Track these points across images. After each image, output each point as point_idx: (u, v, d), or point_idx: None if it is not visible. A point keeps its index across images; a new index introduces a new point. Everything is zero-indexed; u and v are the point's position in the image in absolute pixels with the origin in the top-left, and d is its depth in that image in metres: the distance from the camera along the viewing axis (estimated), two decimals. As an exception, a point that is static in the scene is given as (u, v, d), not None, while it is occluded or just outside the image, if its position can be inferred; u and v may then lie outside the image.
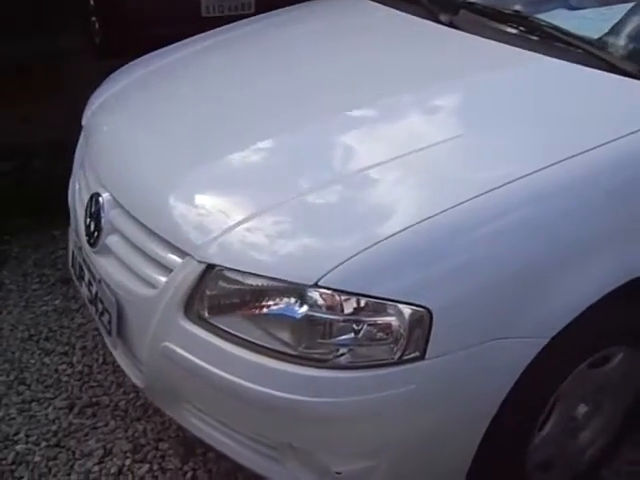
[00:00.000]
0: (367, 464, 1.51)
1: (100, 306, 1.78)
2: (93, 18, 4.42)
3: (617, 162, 1.59)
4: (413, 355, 1.40)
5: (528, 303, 1.47)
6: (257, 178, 1.66)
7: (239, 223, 1.51)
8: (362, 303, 1.38)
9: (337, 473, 1.51)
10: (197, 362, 1.50)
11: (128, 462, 2.00)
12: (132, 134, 1.98)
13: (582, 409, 1.77)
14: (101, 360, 2.35)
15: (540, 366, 1.52)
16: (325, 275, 1.37)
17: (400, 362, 1.41)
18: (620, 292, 1.57)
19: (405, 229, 1.41)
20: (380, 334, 1.40)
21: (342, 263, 1.38)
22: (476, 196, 1.46)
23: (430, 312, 1.38)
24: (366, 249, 1.39)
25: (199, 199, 1.65)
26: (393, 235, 1.41)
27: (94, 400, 2.20)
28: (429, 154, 1.62)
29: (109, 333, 1.76)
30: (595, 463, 1.89)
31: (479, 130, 1.70)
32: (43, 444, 2.06)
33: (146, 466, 1.99)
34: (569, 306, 1.51)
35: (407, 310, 1.38)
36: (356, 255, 1.39)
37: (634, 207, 1.59)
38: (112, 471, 1.98)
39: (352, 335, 1.40)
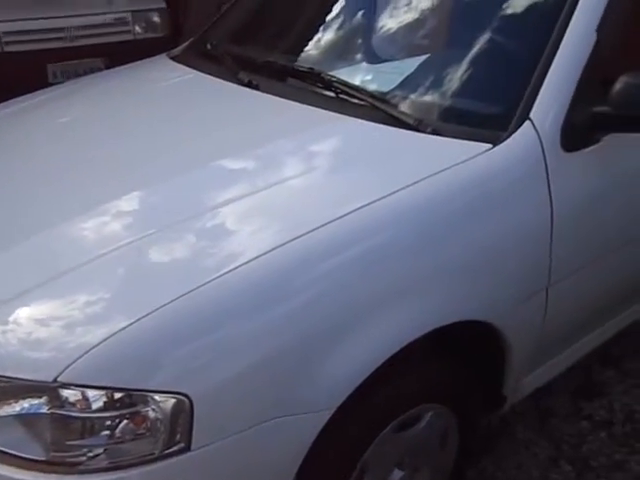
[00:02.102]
0: None
1: None
2: None
3: (402, 213, 1.55)
4: (178, 447, 1.28)
5: (304, 376, 1.37)
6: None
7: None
8: (113, 396, 1.25)
9: None
10: None
11: None
12: None
13: (397, 475, 1.70)
14: None
15: (334, 437, 1.44)
16: (66, 369, 1.23)
17: (164, 456, 1.28)
18: (417, 347, 1.51)
19: (148, 314, 1.29)
20: (138, 428, 1.27)
21: (87, 353, 1.25)
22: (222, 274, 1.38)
23: (190, 399, 1.27)
24: (115, 334, 1.27)
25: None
26: (146, 315, 1.29)
27: None
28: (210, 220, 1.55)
29: None
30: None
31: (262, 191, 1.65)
32: None
33: None
34: (353, 371, 1.43)
35: (165, 400, 1.26)
36: (104, 342, 1.26)
37: (423, 260, 1.55)
38: None
39: (106, 433, 1.27)
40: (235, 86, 2.05)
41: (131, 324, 1.28)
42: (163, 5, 4.52)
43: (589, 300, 1.96)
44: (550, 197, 1.68)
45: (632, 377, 2.42)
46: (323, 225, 1.47)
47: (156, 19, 4.46)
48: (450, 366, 1.73)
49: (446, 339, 1.61)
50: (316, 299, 1.42)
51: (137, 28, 4.40)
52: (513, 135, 1.67)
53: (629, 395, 2.35)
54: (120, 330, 1.28)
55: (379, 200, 1.53)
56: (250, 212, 1.60)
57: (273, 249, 1.41)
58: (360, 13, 2.24)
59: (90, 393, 1.25)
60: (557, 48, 1.73)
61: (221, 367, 1.31)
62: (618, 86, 1.68)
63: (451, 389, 1.72)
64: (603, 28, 1.77)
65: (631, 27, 1.85)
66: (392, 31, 2.16)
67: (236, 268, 1.39)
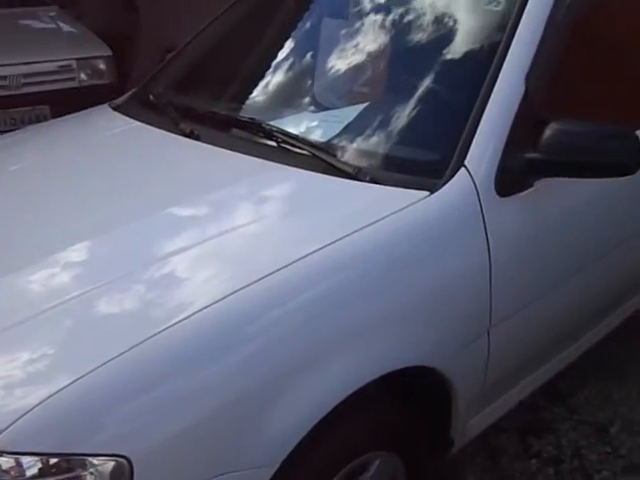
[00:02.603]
0: None
1: None
2: None
3: (341, 263, 1.56)
4: (117, 511, 1.26)
5: (248, 431, 1.36)
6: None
7: None
8: (49, 462, 1.22)
9: None
10: None
11: None
12: None
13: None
14: None
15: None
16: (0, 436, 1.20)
17: (103, 521, 1.25)
18: (362, 394, 1.51)
19: (90, 372, 1.27)
20: (76, 494, 1.25)
21: (23, 417, 1.21)
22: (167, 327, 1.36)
23: (130, 462, 1.24)
24: (55, 394, 1.24)
25: None
26: (88, 373, 1.27)
27: None
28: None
29: None
30: None
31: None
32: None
33: None
34: (298, 423, 1.42)
35: (103, 463, 1.23)
36: (41, 404, 1.23)
37: (365, 308, 1.56)
38: None
39: (42, 500, 1.24)
40: (176, 137, 2.05)
41: (72, 383, 1.26)
42: (109, 52, 4.53)
43: (532, 340, 1.99)
44: (487, 241, 1.72)
45: (578, 413, 2.47)
46: (266, 276, 1.47)
47: (102, 66, 4.46)
48: (397, 412, 1.73)
49: (392, 384, 1.62)
50: (261, 352, 1.42)
51: (82, 75, 4.40)
52: (449, 182, 1.71)
53: (576, 431, 2.39)
54: (60, 390, 1.25)
55: (320, 249, 1.54)
56: (195, 262, 1.60)
57: (212, 303, 1.41)
58: (301, 62, 2.28)
59: (24, 460, 1.21)
60: (489, 97, 1.79)
61: (163, 426, 1.29)
62: (548, 133, 1.74)
63: (399, 435, 1.73)
64: (532, 77, 1.84)
65: (559, 75, 1.94)
66: (332, 80, 2.21)
67: (181, 320, 1.38)
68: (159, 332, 1.35)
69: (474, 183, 1.72)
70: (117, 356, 1.30)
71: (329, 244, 1.55)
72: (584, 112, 1.90)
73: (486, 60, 1.85)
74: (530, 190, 1.81)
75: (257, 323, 1.44)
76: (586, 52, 2.10)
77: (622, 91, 2.21)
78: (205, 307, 1.40)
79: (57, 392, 1.25)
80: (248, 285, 1.45)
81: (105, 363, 1.29)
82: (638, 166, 1.75)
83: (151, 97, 2.33)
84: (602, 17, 2.24)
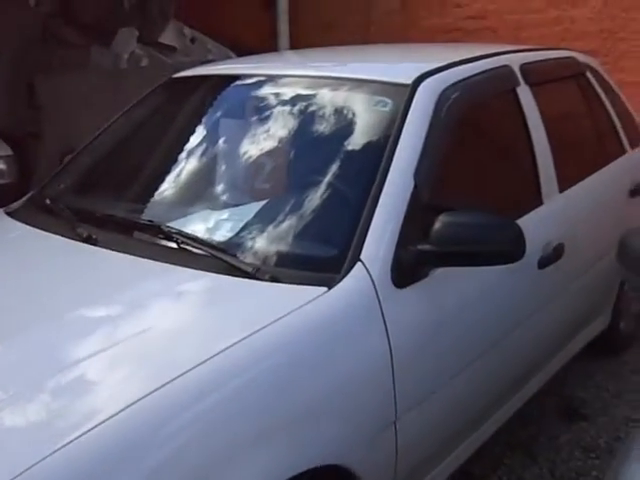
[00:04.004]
0: None
1: None
2: None
3: (242, 364, 1.54)
4: None
5: None
6: None
7: None
8: None
9: None
10: None
11: None
12: None
13: None
14: None
15: None
16: None
17: None
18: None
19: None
20: None
21: None
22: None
23: None
24: None
25: None
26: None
27: None
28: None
29: None
30: None
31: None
32: None
33: None
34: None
35: None
36: None
37: (271, 408, 1.53)
38: None
39: None
40: (74, 242, 2.02)
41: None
42: (9, 152, 4.48)
43: (439, 428, 2.01)
44: (387, 333, 1.75)
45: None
46: (163, 385, 1.44)
47: (2, 166, 4.40)
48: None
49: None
50: (169, 459, 1.37)
51: (-18, 175, 4.31)
52: (346, 277, 1.75)
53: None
54: None
55: (219, 353, 1.52)
56: (95, 372, 1.55)
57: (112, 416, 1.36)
58: (199, 163, 2.31)
59: None
60: (380, 193, 1.86)
61: None
62: (437, 225, 1.83)
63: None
64: (420, 172, 1.94)
65: (446, 169, 2.04)
66: (230, 179, 2.26)
67: (87, 431, 1.33)
68: (61, 447, 1.29)
69: (371, 276, 1.77)
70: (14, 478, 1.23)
71: (227, 347, 1.54)
72: (471, 203, 2.00)
73: (376, 159, 1.95)
74: (426, 280, 1.87)
75: (161, 433, 1.40)
76: (469, 147, 2.24)
77: (503, 182, 2.35)
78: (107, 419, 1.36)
79: None
80: (146, 396, 1.41)
81: None
82: (522, 253, 1.84)
83: (48, 201, 2.30)
84: (482, 115, 2.40)
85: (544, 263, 2.33)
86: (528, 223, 2.16)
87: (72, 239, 2.03)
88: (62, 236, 2.07)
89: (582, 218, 2.67)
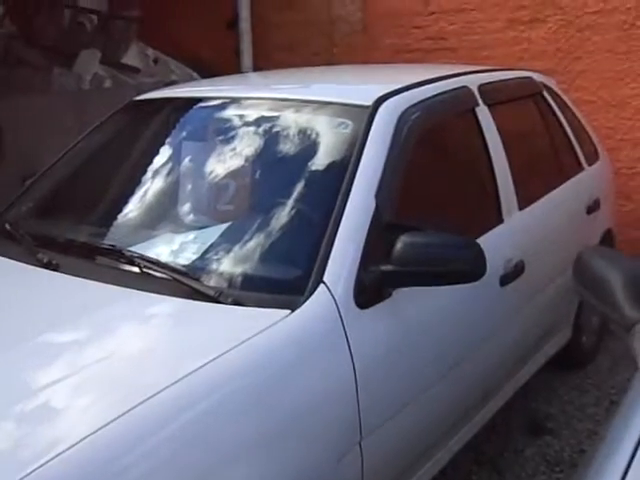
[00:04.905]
0: None
1: None
2: None
3: (205, 389, 1.53)
4: None
5: None
6: None
7: None
8: None
9: None
10: None
11: None
12: None
13: None
14: None
15: None
16: None
17: None
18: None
19: None
20: None
21: None
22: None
23: None
24: None
25: None
26: None
27: None
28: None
29: None
30: None
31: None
32: None
33: None
34: None
35: None
36: None
37: (231, 434, 1.52)
38: None
39: None
40: (34, 268, 2.00)
41: None
42: (-31, 175, 4.39)
43: (406, 446, 2.02)
44: (350, 353, 1.75)
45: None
46: (128, 411, 1.42)
47: (-39, 190, 4.31)
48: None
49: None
50: None
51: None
52: (309, 299, 1.75)
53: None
54: None
55: (182, 379, 1.51)
56: (59, 399, 1.53)
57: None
58: (161, 186, 2.30)
59: None
60: (342, 215, 1.88)
61: None
62: (398, 245, 1.84)
63: None
64: (381, 194, 1.96)
65: (407, 190, 2.07)
66: (192, 202, 2.24)
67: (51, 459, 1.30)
68: (24, 477, 1.26)
69: (334, 298, 1.77)
70: None
71: (191, 372, 1.53)
72: (432, 222, 2.03)
73: (338, 180, 1.96)
74: (388, 300, 1.89)
75: (125, 460, 1.38)
76: (430, 167, 2.27)
77: (464, 201, 2.39)
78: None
79: None
80: (110, 422, 1.40)
81: None
82: (483, 272, 1.87)
83: (7, 226, 2.27)
84: (442, 135, 2.44)
85: (505, 280, 2.37)
86: (489, 241, 2.21)
87: (32, 265, 2.01)
88: (22, 262, 2.04)
89: (542, 235, 2.72)
